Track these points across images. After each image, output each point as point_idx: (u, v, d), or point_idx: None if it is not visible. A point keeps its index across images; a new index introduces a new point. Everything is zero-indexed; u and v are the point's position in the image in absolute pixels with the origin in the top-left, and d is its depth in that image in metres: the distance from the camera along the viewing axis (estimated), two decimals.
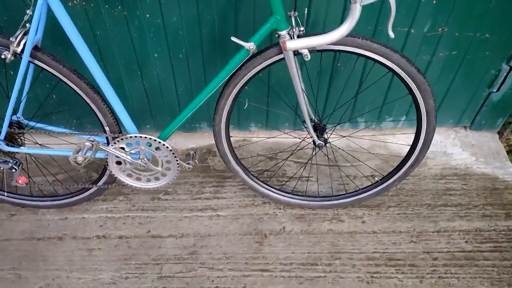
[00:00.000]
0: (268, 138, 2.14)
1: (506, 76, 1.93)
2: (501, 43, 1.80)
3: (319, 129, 1.63)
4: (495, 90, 2.00)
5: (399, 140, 2.15)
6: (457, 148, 2.16)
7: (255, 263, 1.69)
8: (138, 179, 1.68)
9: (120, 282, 1.64)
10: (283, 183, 1.99)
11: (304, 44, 1.14)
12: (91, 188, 1.79)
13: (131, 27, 1.66)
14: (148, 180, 1.69)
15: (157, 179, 1.68)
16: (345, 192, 1.83)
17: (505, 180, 1.99)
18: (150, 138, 1.52)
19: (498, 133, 2.26)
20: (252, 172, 1.81)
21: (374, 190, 1.76)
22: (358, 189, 1.81)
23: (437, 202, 1.89)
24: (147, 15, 1.62)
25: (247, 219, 1.84)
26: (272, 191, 1.84)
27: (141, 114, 2.07)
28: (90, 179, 2.02)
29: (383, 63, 1.36)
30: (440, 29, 1.72)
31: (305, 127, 1.55)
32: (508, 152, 2.19)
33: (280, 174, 2.04)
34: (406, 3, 1.62)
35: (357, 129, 2.19)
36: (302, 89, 1.47)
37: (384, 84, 1.94)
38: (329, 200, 1.83)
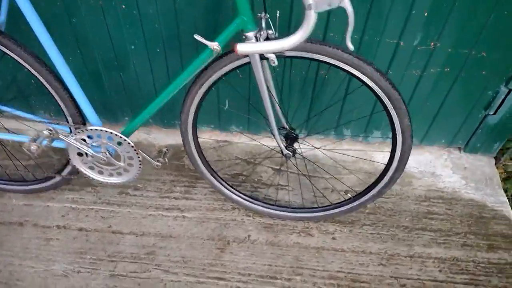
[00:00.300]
0: (243, 142, 2.07)
1: (504, 99, 1.80)
2: (499, 63, 1.67)
3: (291, 138, 1.55)
4: (491, 113, 1.87)
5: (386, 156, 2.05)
6: (447, 170, 2.04)
7: (212, 270, 1.62)
8: (100, 172, 1.63)
9: (71, 276, 1.60)
10: (254, 190, 1.91)
11: (255, 49, 1.07)
12: (56, 177, 1.75)
13: (107, 17, 1.62)
14: (111, 175, 1.64)
15: (119, 174, 1.63)
16: (317, 206, 1.75)
17: (494, 209, 1.87)
18: (111, 133, 1.47)
19: (495, 158, 2.12)
20: (223, 176, 1.74)
21: (347, 207, 1.67)
22: (330, 204, 1.72)
23: (415, 225, 1.78)
24: (123, 6, 1.57)
25: (213, 223, 1.77)
26: (241, 197, 1.76)
27: (120, 106, 2.02)
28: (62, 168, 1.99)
29: (356, 75, 1.27)
30: (432, 43, 1.61)
31: (273, 135, 1.47)
32: (504, 179, 2.06)
33: (256, 180, 1.96)
34: (395, 13, 1.52)
35: (341, 140, 2.09)
36: (272, 95, 1.39)
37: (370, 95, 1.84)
38: (301, 212, 1.74)
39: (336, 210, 1.69)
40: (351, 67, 1.25)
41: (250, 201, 1.76)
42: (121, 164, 1.58)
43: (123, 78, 1.87)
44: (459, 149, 2.13)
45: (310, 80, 1.79)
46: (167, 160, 1.64)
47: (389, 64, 1.70)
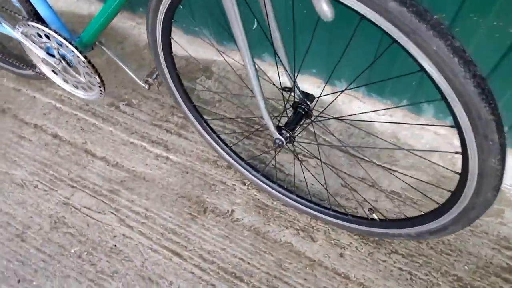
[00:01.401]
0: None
1: None
2: None
3: (298, 111, 0.97)
4: None
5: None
6: None
7: (171, 239, 1.27)
8: (65, 81, 1.27)
9: (27, 188, 1.39)
10: (260, 152, 1.40)
11: None
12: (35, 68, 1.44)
13: None
14: (76, 87, 1.27)
15: (85, 89, 1.25)
16: (329, 207, 1.20)
17: None
18: (59, 37, 1.05)
19: None
20: (208, 119, 1.26)
21: (368, 229, 1.10)
22: (345, 213, 1.15)
23: (476, 281, 1.15)
24: None
25: (197, 178, 1.36)
26: (232, 158, 1.28)
27: None
28: None
29: (407, 50, 0.61)
30: None
31: (260, 108, 0.90)
32: None
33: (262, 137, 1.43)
34: None
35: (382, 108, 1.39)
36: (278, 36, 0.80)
37: None
38: (307, 206, 1.22)
39: (349, 225, 1.14)
40: (402, 32, 0.58)
41: (246, 168, 1.28)
42: (81, 78, 1.19)
43: None
44: None
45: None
46: (157, 83, 1.20)
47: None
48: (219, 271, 1.21)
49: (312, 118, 0.96)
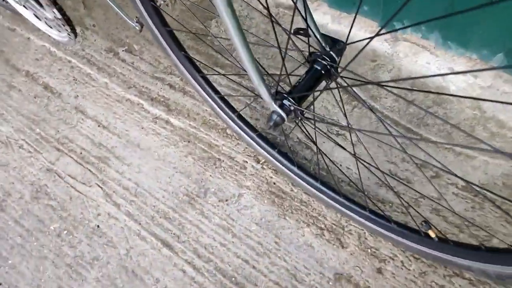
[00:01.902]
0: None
1: None
2: None
3: (319, 67, 0.60)
4: None
5: None
6: None
7: (163, 227, 1.01)
8: (37, 18, 1.00)
9: (12, 148, 1.20)
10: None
11: None
12: None
13: None
14: (48, 26, 1.00)
15: (58, 30, 0.98)
16: (365, 205, 0.85)
17: None
18: None
19: None
20: (207, 74, 0.94)
21: (419, 247, 0.75)
22: (388, 220, 0.80)
23: None
24: None
25: (200, 150, 1.07)
26: (243, 129, 0.96)
27: None
28: None
29: None
30: None
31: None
32: None
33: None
34: None
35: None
36: None
37: None
38: (334, 200, 0.88)
39: (392, 235, 0.79)
40: None
41: (257, 142, 0.95)
42: (48, 15, 0.91)
43: None
44: None
45: None
46: (139, 26, 0.90)
47: None
48: (216, 272, 0.94)
49: (336, 79, 0.60)
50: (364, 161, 0.77)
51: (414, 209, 0.89)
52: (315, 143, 0.86)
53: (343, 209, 0.87)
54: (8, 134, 1.22)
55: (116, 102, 1.18)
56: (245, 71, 0.55)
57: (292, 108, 0.58)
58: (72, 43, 1.01)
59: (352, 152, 0.89)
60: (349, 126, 0.59)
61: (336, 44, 0.60)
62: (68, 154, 1.15)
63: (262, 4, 0.53)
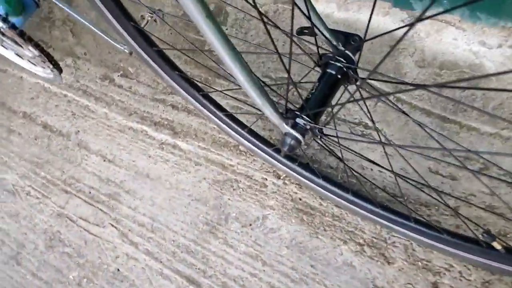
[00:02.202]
0: None
1: None
2: None
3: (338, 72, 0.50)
4: None
5: None
6: None
7: (186, 262, 0.92)
8: (19, 56, 0.93)
9: (19, 196, 1.14)
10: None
11: None
12: None
13: None
14: (33, 64, 0.92)
15: (42, 67, 0.90)
16: (408, 215, 0.73)
17: None
18: None
19: None
20: (208, 92, 0.84)
21: (480, 260, 0.63)
22: (438, 228, 0.69)
23: None
24: None
25: (214, 172, 0.97)
26: (257, 145, 0.85)
27: None
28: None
29: None
30: None
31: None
32: None
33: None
34: None
35: None
36: None
37: None
38: (371, 212, 0.77)
39: (446, 248, 0.68)
40: None
41: (274, 157, 0.85)
42: (27, 53, 0.83)
43: None
44: None
45: None
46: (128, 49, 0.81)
47: None
48: None
49: (357, 82, 0.49)
50: (399, 174, 0.66)
51: (461, 218, 0.77)
52: (341, 160, 0.75)
53: (382, 220, 0.76)
54: (13, 182, 1.16)
55: (119, 132, 1.10)
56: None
57: (308, 126, 0.48)
58: (59, 80, 0.94)
59: (389, 168, 0.78)
60: (384, 141, 0.48)
61: (351, 40, 0.50)
62: (76, 195, 1.08)
63: (250, 3, 0.43)
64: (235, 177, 0.95)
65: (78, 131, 1.14)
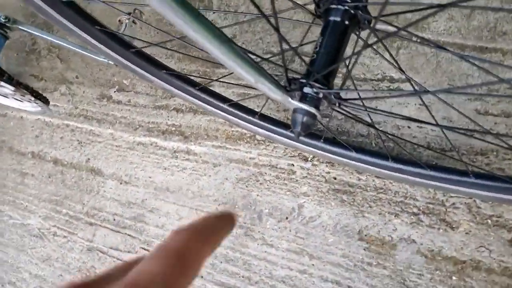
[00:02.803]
0: None
1: None
2: None
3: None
4: None
5: None
6: None
7: (228, 272, 0.84)
8: (2, 95, 0.87)
9: (47, 239, 1.09)
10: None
11: None
12: None
13: None
14: (20, 101, 0.86)
15: (29, 102, 0.83)
16: (466, 171, 0.61)
17: None
18: None
19: None
20: (204, 84, 0.74)
21: None
22: (504, 179, 0.57)
23: None
24: None
25: (235, 170, 0.88)
26: (274, 131, 0.76)
27: None
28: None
29: None
30: None
31: None
32: None
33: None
34: None
35: None
36: None
37: None
38: (420, 176, 0.65)
39: None
40: None
41: (292, 138, 0.75)
42: (7, 90, 0.76)
43: None
44: None
45: None
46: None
47: None
48: None
49: (371, 23, 0.38)
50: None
51: None
52: (371, 125, 0.65)
53: (434, 183, 0.65)
54: (38, 225, 1.12)
55: (128, 150, 1.02)
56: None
57: (320, 94, 0.38)
58: (49, 112, 0.88)
59: (430, 121, 0.67)
60: (419, 89, 0.37)
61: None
62: (102, 225, 1.02)
63: None
64: (258, 170, 0.86)
65: (88, 158, 1.08)
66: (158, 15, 1.05)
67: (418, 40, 0.72)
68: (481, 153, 0.69)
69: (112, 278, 0.22)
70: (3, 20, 0.78)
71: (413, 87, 0.43)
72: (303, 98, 0.38)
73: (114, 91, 1.08)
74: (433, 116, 0.53)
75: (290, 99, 0.38)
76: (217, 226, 0.24)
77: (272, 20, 0.34)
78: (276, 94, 0.37)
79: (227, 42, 0.33)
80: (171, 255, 0.21)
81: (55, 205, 1.10)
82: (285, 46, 0.90)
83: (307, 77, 0.38)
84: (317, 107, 0.37)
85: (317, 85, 0.37)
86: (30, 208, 1.15)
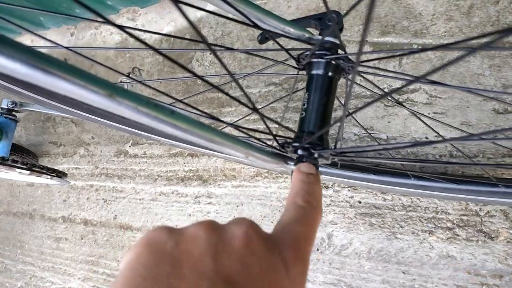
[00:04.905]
0: None
1: None
2: None
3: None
4: None
5: None
6: None
7: None
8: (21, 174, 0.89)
9: None
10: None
11: None
12: None
13: None
14: (38, 176, 0.88)
15: (46, 177, 0.85)
16: (494, 183, 0.58)
17: None
18: None
19: None
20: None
21: None
22: None
23: None
24: None
25: (259, 207, 0.87)
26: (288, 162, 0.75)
27: None
28: None
29: None
30: None
31: None
32: None
33: None
34: None
35: None
36: None
37: None
38: (446, 190, 0.62)
39: None
40: None
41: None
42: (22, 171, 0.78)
43: None
44: None
45: None
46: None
47: None
48: None
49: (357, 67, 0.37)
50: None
51: None
52: (379, 165, 0.62)
53: (463, 196, 0.62)
54: (79, 287, 1.14)
55: (152, 202, 1.03)
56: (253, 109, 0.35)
57: (315, 154, 0.37)
58: (66, 183, 0.90)
59: (438, 139, 0.64)
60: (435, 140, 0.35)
61: (326, 21, 0.38)
62: None
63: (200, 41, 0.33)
64: (281, 204, 0.85)
65: (116, 215, 1.10)
66: (159, 65, 1.06)
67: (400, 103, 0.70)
68: (508, 155, 0.65)
69: None
70: (11, 106, 0.81)
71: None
72: (300, 160, 0.37)
73: (129, 146, 1.10)
74: (437, 133, 0.51)
75: (286, 165, 0.37)
76: None
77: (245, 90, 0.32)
78: (270, 164, 0.36)
79: (208, 129, 0.32)
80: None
81: (91, 265, 1.12)
82: (272, 115, 0.89)
83: (299, 139, 0.37)
84: (315, 165, 0.36)
85: (310, 146, 0.36)
86: (68, 271, 1.17)
